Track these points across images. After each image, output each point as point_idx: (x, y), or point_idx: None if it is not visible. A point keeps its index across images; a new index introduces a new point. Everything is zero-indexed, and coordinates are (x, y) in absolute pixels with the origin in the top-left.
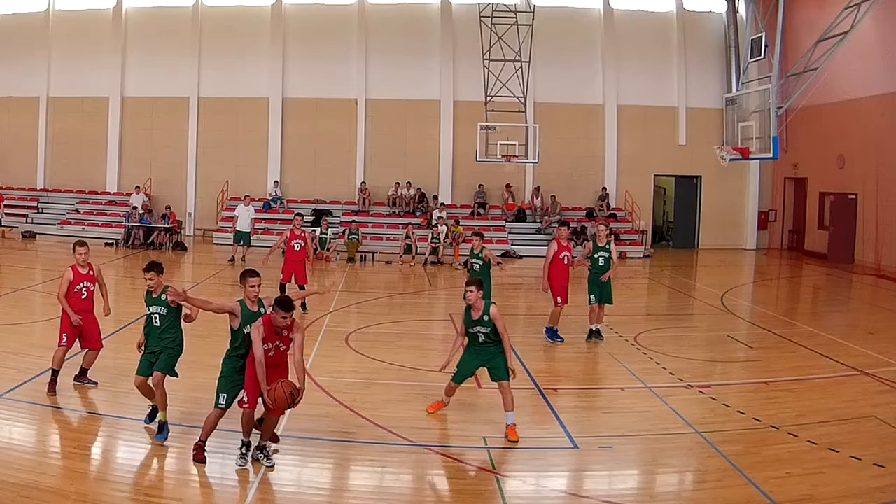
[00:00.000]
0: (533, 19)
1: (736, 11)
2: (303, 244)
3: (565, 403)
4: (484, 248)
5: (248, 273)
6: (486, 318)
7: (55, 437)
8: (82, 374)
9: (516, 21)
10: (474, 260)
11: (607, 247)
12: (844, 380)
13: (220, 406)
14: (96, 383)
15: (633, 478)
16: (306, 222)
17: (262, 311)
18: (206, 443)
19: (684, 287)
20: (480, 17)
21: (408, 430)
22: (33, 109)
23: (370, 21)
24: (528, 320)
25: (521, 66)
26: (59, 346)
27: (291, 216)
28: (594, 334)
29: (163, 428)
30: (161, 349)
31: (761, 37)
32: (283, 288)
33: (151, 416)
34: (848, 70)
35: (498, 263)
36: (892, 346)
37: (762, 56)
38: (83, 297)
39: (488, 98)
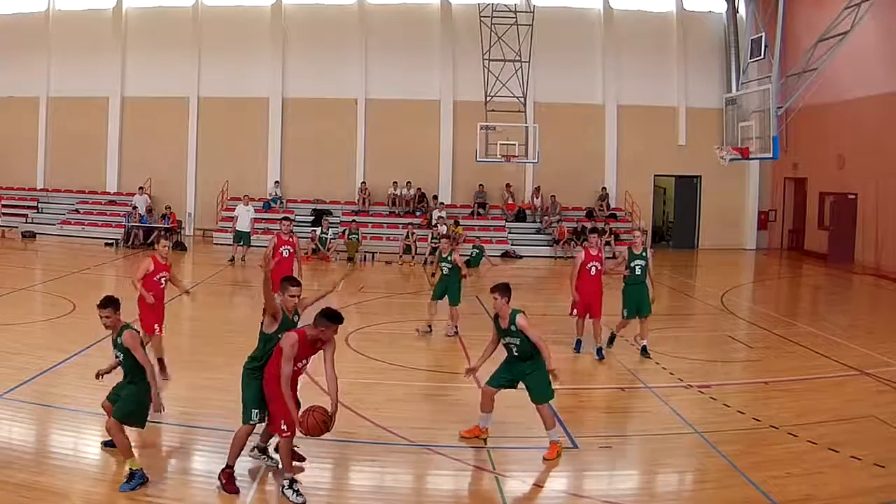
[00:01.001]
0: (533, 19)
1: (736, 11)
2: (292, 250)
3: (565, 403)
4: (453, 252)
5: (290, 281)
6: (513, 327)
7: (55, 437)
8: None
9: (516, 21)
10: (443, 263)
11: (644, 254)
12: (844, 380)
13: (253, 422)
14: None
15: (633, 478)
16: (306, 223)
17: (297, 319)
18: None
19: (684, 287)
20: (480, 17)
21: (408, 430)
22: (33, 109)
23: (370, 21)
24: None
25: (521, 66)
26: (157, 335)
27: (291, 216)
28: (643, 350)
29: (132, 476)
30: (119, 394)
31: (761, 37)
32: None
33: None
34: (848, 70)
35: (465, 276)
36: (892, 346)
37: (762, 56)
38: (161, 285)
39: (488, 98)
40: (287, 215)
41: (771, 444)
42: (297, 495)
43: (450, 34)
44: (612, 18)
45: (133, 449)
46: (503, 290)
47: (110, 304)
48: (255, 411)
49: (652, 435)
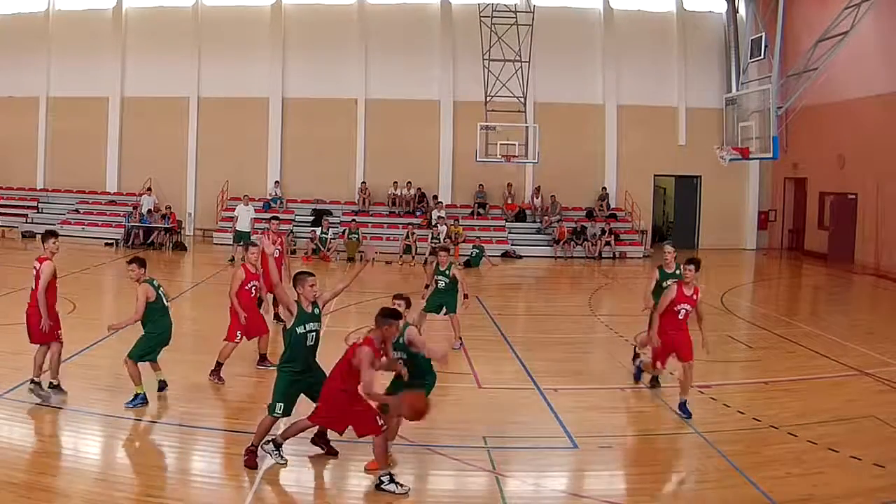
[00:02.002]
0: (533, 19)
1: (736, 11)
2: (280, 249)
3: (565, 403)
4: (452, 264)
5: (306, 274)
6: (401, 339)
7: (56, 437)
8: (263, 359)
9: (516, 21)
10: (439, 277)
11: (678, 273)
12: (844, 380)
13: (276, 415)
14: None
15: (633, 478)
16: (306, 223)
17: (317, 311)
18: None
19: None
20: (480, 17)
21: (408, 430)
22: (33, 109)
23: (370, 21)
24: (528, 320)
25: (521, 66)
26: (232, 341)
27: (291, 216)
28: (654, 379)
29: (136, 397)
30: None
31: (761, 37)
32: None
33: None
34: (848, 70)
35: (466, 297)
36: (892, 346)
37: (762, 56)
38: (252, 294)
39: (488, 98)
40: (275, 215)
41: (771, 444)
42: (399, 487)
43: (450, 34)
44: (612, 18)
45: (140, 378)
46: (407, 301)
47: (136, 261)
48: (279, 405)
49: (652, 435)
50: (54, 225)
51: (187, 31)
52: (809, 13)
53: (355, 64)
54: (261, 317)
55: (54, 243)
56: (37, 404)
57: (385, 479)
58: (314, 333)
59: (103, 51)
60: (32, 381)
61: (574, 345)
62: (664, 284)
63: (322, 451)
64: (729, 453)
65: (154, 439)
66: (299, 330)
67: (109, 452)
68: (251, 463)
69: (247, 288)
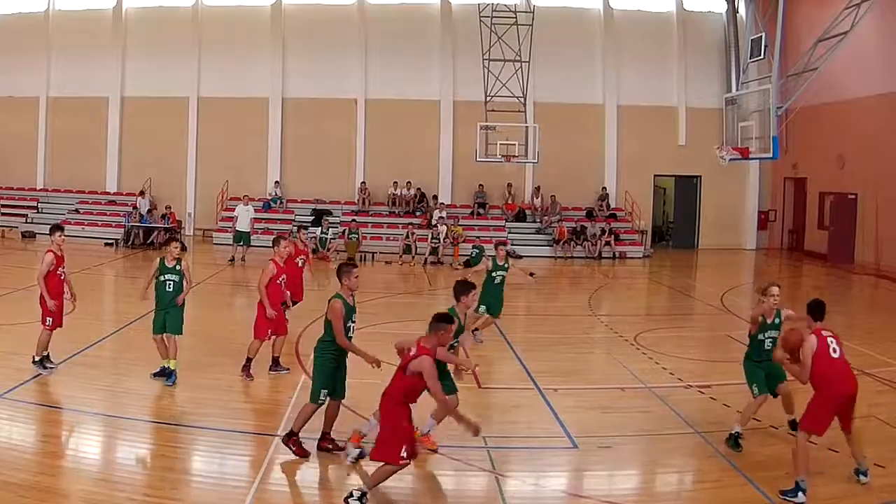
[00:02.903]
0: (533, 19)
1: (736, 11)
2: (305, 259)
3: (565, 403)
4: (509, 258)
5: (350, 265)
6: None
7: (55, 437)
8: (276, 364)
9: (516, 21)
10: (499, 272)
11: (778, 323)
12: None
13: (320, 402)
14: (288, 369)
15: (633, 478)
16: (305, 223)
17: (354, 304)
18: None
19: (684, 287)
20: (480, 17)
21: None
22: (33, 109)
23: (370, 21)
24: (528, 320)
25: (521, 66)
26: (259, 338)
27: (292, 225)
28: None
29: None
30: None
31: (761, 37)
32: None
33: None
34: (848, 70)
35: (531, 274)
36: (892, 346)
37: (762, 56)
38: (282, 289)
39: (488, 98)
40: (304, 223)
41: (771, 444)
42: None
43: (450, 34)
44: (612, 18)
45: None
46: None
47: (174, 240)
48: (322, 391)
49: (652, 435)
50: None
51: (187, 31)
52: (809, 13)
53: (355, 64)
54: (284, 316)
55: (60, 236)
56: (37, 403)
57: (356, 494)
58: (352, 325)
59: (103, 51)
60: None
61: (574, 345)
62: (761, 337)
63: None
64: (729, 453)
65: (154, 439)
66: (348, 324)
67: (109, 452)
68: (301, 452)
69: (277, 282)
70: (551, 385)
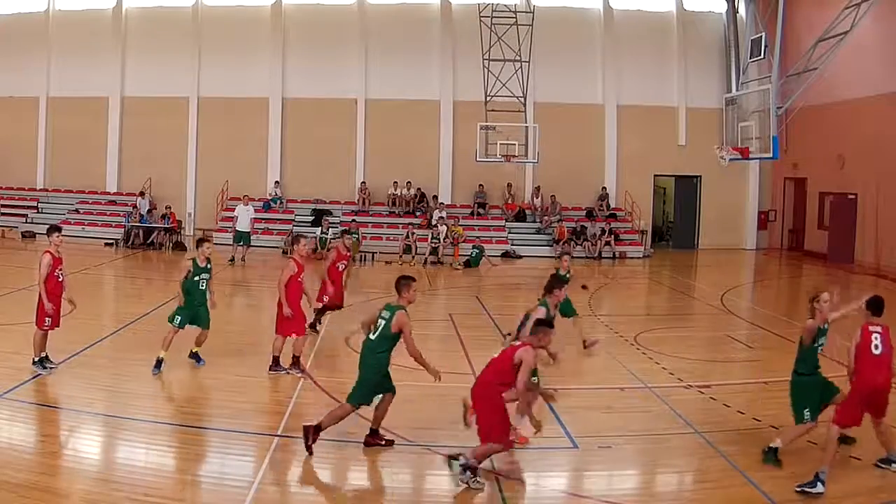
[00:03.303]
0: (533, 19)
1: (736, 11)
2: (346, 265)
3: (565, 403)
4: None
5: (409, 278)
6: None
7: (55, 437)
8: (297, 362)
9: (516, 21)
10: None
11: (826, 328)
12: (844, 380)
13: (357, 406)
14: (302, 371)
15: (633, 478)
16: (306, 223)
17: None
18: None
19: (684, 287)
20: (480, 17)
21: (408, 430)
22: (33, 109)
23: (370, 21)
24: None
25: (521, 66)
26: (282, 334)
27: (291, 216)
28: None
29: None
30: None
31: (761, 37)
32: (324, 311)
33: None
34: (848, 70)
35: (584, 286)
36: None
37: (762, 56)
38: (304, 287)
39: (488, 98)
40: (348, 228)
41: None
42: (475, 481)
43: (450, 34)
44: (612, 18)
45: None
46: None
47: (206, 241)
48: (370, 395)
49: (652, 435)
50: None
51: (187, 31)
52: (809, 13)
53: (355, 64)
54: (303, 315)
55: (57, 237)
56: (37, 403)
57: (468, 468)
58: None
59: (103, 51)
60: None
61: (574, 345)
62: (817, 345)
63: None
64: (729, 453)
65: (154, 439)
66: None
67: (109, 452)
68: (308, 447)
69: (298, 280)
70: (551, 385)
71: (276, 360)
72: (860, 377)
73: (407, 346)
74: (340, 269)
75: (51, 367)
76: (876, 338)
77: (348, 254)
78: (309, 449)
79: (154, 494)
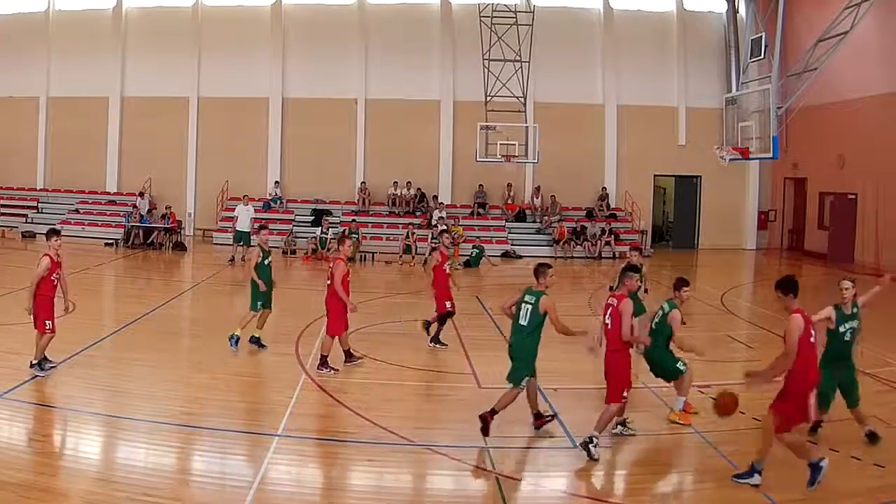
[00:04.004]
0: (533, 19)
1: (736, 11)
2: (450, 264)
3: (565, 403)
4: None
5: (546, 265)
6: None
7: (55, 437)
8: (350, 356)
9: (516, 21)
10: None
11: (856, 312)
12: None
13: (522, 386)
14: (363, 358)
15: (633, 478)
16: (306, 223)
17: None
18: None
19: None
20: (480, 17)
21: (408, 430)
22: (33, 109)
23: (370, 21)
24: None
25: (521, 66)
26: (334, 335)
27: (291, 216)
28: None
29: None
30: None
31: (761, 37)
32: (445, 318)
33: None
34: (848, 70)
35: (646, 290)
36: (892, 346)
37: (762, 56)
38: (349, 285)
39: (488, 98)
40: (446, 229)
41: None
42: (595, 450)
43: (450, 34)
44: (612, 18)
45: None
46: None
47: (264, 228)
48: (527, 378)
49: (652, 435)
50: (54, 225)
51: (187, 31)
52: (809, 13)
53: (355, 64)
54: (345, 312)
55: (56, 241)
56: (37, 403)
57: (589, 439)
58: None
59: (103, 51)
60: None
61: (574, 345)
62: (842, 329)
63: (548, 419)
64: (729, 453)
65: (154, 439)
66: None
67: (109, 452)
68: (484, 429)
69: (349, 279)
70: (551, 385)
71: (324, 360)
72: (809, 370)
73: (554, 325)
74: (447, 270)
75: (50, 367)
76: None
77: (446, 253)
78: (486, 431)
79: (154, 494)
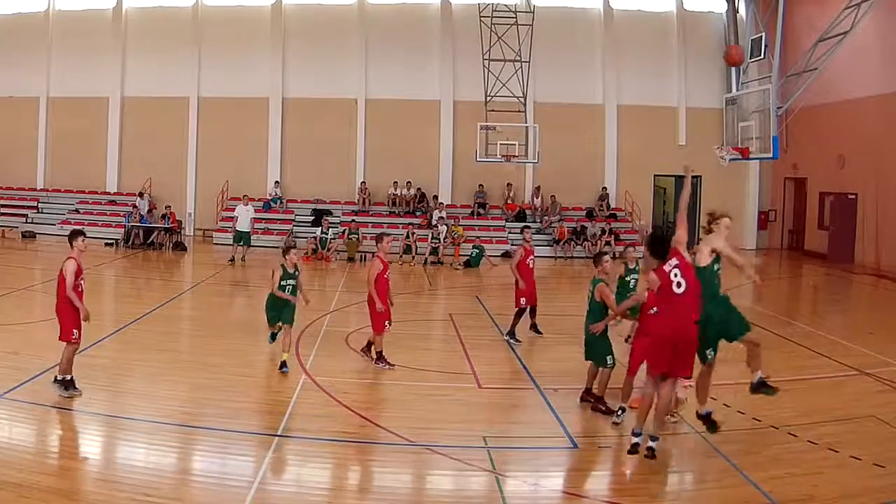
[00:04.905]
0: (533, 19)
1: (736, 11)
2: (534, 259)
3: (565, 403)
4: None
5: (603, 253)
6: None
7: (55, 437)
8: (380, 357)
9: (516, 21)
10: (632, 276)
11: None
12: (844, 380)
13: (610, 364)
14: (394, 365)
15: (633, 478)
16: (307, 223)
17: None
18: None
19: None
20: (480, 17)
21: (408, 430)
22: (33, 109)
23: (370, 21)
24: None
25: (521, 66)
26: (380, 333)
27: (291, 216)
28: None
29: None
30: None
31: (761, 37)
32: (532, 311)
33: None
34: (848, 70)
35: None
36: (892, 346)
37: (762, 56)
38: (389, 283)
39: (488, 98)
40: (528, 225)
41: (771, 444)
42: (617, 415)
43: (450, 34)
44: (612, 18)
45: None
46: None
47: (292, 248)
48: (609, 357)
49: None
50: (54, 225)
51: (187, 31)
52: (809, 13)
53: (355, 64)
54: (389, 311)
55: (82, 241)
56: (37, 403)
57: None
58: None
59: (103, 51)
60: (55, 380)
61: (574, 345)
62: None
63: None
64: (729, 453)
65: (154, 439)
66: None
67: (109, 452)
68: (608, 411)
69: (385, 277)
70: (551, 385)
71: (380, 356)
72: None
73: (610, 308)
74: (531, 265)
75: (74, 392)
76: (676, 274)
77: (532, 248)
78: (608, 411)
79: (154, 494)
